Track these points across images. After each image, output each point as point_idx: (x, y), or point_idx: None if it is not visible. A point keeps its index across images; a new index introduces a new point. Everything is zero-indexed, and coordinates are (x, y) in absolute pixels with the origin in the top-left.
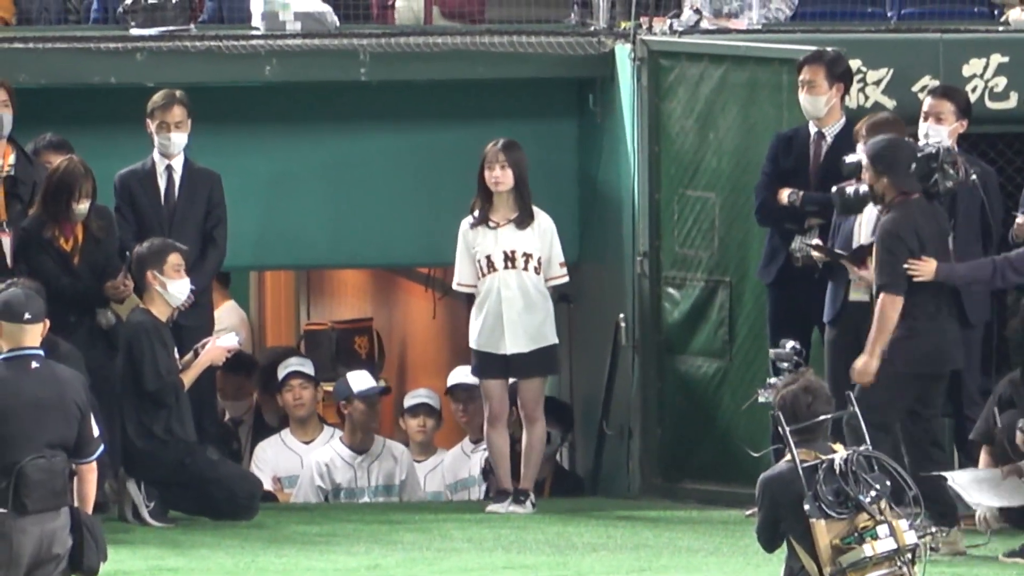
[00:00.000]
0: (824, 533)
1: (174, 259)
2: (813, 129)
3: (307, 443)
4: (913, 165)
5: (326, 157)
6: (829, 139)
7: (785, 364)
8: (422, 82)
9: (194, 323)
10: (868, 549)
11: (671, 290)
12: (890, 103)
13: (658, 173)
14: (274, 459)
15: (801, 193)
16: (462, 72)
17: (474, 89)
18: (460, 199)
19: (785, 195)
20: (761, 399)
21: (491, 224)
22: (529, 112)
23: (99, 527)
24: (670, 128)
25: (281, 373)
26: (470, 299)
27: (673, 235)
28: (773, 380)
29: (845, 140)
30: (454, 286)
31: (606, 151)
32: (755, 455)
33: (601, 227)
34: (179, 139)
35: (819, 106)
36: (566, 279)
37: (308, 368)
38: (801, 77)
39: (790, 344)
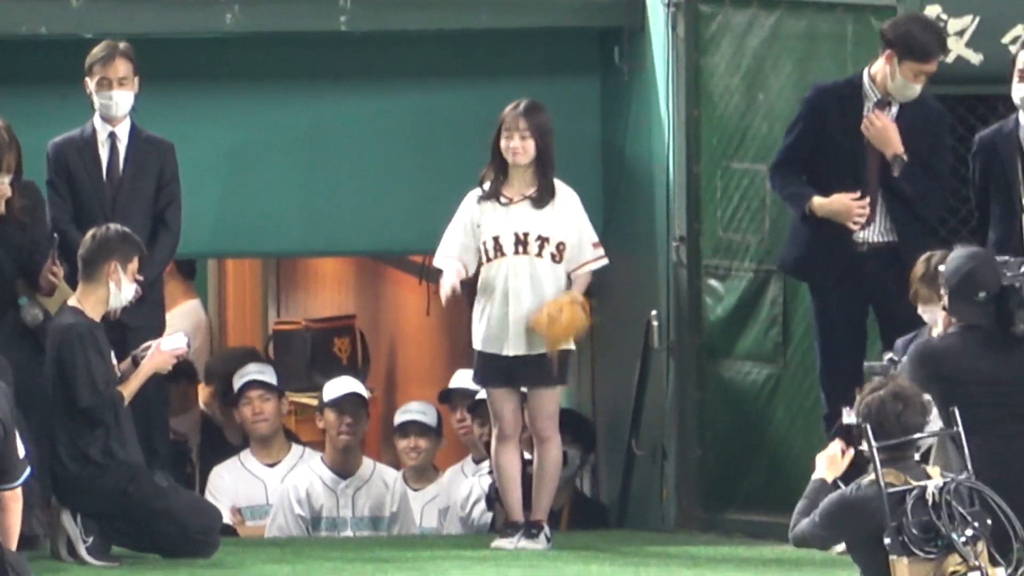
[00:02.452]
0: (906, 574)
1: (138, 263)
2: (874, 95)
3: (271, 466)
4: (982, 294)
5: (299, 123)
6: (894, 107)
7: (877, 378)
8: (414, 32)
9: (142, 323)
10: None
11: (713, 282)
12: (975, 57)
13: (697, 142)
14: (232, 486)
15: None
16: (462, 21)
17: (477, 41)
18: (460, 174)
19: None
20: (846, 419)
21: (503, 200)
22: (542, 68)
23: (25, 566)
24: (712, 88)
25: (237, 383)
26: (472, 292)
27: (715, 216)
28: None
29: (914, 109)
30: (435, 261)
31: (635, 115)
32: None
33: (629, 207)
34: (123, 99)
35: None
36: (604, 260)
37: (269, 376)
38: (925, 68)
39: (888, 356)
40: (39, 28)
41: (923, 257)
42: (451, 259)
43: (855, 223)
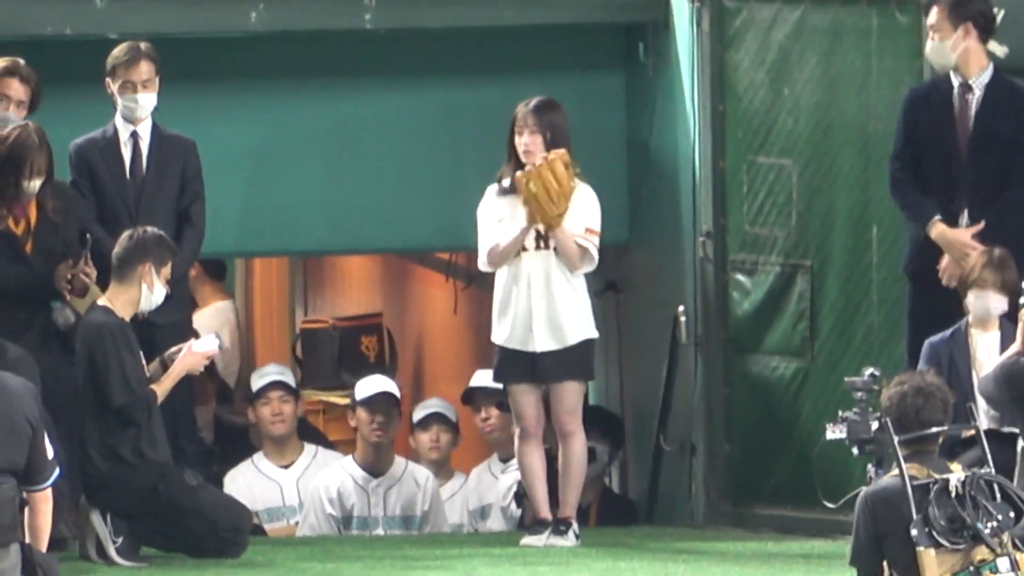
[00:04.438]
0: (934, 566)
1: (170, 267)
2: (956, 80)
3: (285, 467)
4: None
5: (324, 121)
6: (978, 91)
7: (860, 394)
8: (438, 30)
9: (168, 320)
10: None
11: (740, 277)
12: (1000, 50)
13: (723, 136)
14: (248, 489)
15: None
16: (486, 18)
17: (501, 38)
18: (485, 170)
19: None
20: (831, 436)
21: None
22: (567, 65)
23: (55, 567)
24: (737, 83)
25: (256, 383)
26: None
27: (742, 211)
28: (846, 414)
29: (999, 92)
30: (480, 249)
31: (660, 111)
32: (832, 506)
33: (655, 202)
34: (147, 100)
35: (944, 52)
36: (590, 246)
37: (289, 378)
38: (928, 21)
39: (868, 371)
40: (64, 29)
41: (982, 250)
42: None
43: (958, 259)
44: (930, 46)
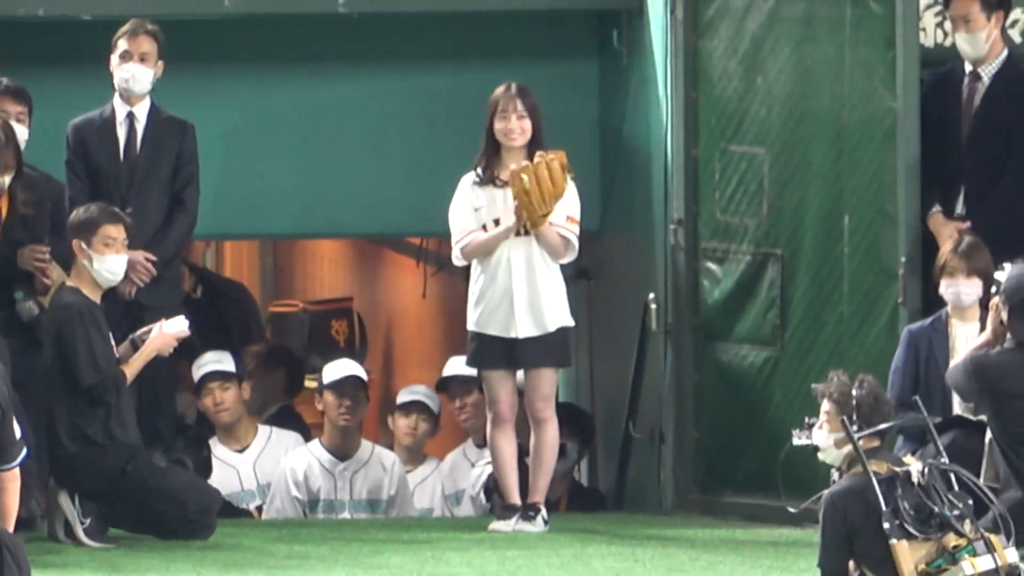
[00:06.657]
0: (908, 556)
1: (108, 231)
2: (968, 68)
3: (240, 451)
4: None
5: (298, 106)
6: (986, 80)
7: (843, 381)
8: (412, 15)
9: (158, 302)
10: (968, 567)
11: (711, 265)
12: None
13: (695, 124)
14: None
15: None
16: (461, 3)
17: (474, 23)
18: (458, 156)
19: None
20: (797, 442)
21: (498, 183)
22: (541, 51)
23: (22, 548)
24: (710, 71)
25: (196, 374)
26: (468, 274)
27: (714, 199)
28: (812, 420)
29: (1007, 80)
30: (455, 242)
31: (633, 98)
32: (793, 510)
33: (627, 189)
34: (142, 74)
35: (979, 45)
36: (571, 236)
37: (227, 365)
38: (951, 12)
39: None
40: (36, 10)
41: (954, 238)
42: (474, 231)
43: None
44: (963, 38)
